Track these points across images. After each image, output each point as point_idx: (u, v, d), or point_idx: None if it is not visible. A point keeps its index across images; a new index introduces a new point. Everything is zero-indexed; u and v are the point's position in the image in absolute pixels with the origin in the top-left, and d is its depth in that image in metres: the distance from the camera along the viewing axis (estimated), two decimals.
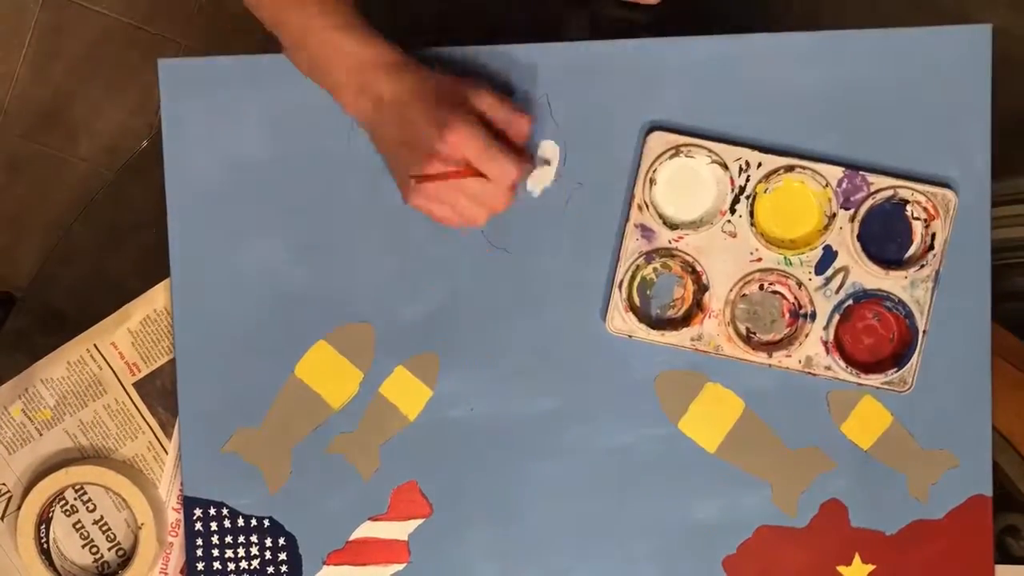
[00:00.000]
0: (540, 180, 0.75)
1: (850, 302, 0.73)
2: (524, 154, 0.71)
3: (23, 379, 0.79)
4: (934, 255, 0.72)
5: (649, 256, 0.73)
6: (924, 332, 0.72)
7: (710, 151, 0.72)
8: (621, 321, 0.74)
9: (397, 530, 0.77)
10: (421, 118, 0.67)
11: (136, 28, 1.50)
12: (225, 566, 0.78)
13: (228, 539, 0.77)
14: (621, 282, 0.74)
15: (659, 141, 0.73)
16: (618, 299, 0.74)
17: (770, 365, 0.74)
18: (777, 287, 0.74)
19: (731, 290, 0.73)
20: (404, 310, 0.76)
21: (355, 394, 0.77)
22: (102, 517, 0.79)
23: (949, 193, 0.72)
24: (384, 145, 0.71)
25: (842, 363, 0.73)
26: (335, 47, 0.69)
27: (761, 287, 0.74)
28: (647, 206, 0.73)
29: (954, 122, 0.73)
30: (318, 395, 0.77)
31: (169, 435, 0.79)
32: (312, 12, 0.69)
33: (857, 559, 0.75)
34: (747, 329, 0.74)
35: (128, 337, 0.78)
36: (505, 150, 0.67)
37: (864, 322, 0.74)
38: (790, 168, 0.72)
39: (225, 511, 0.77)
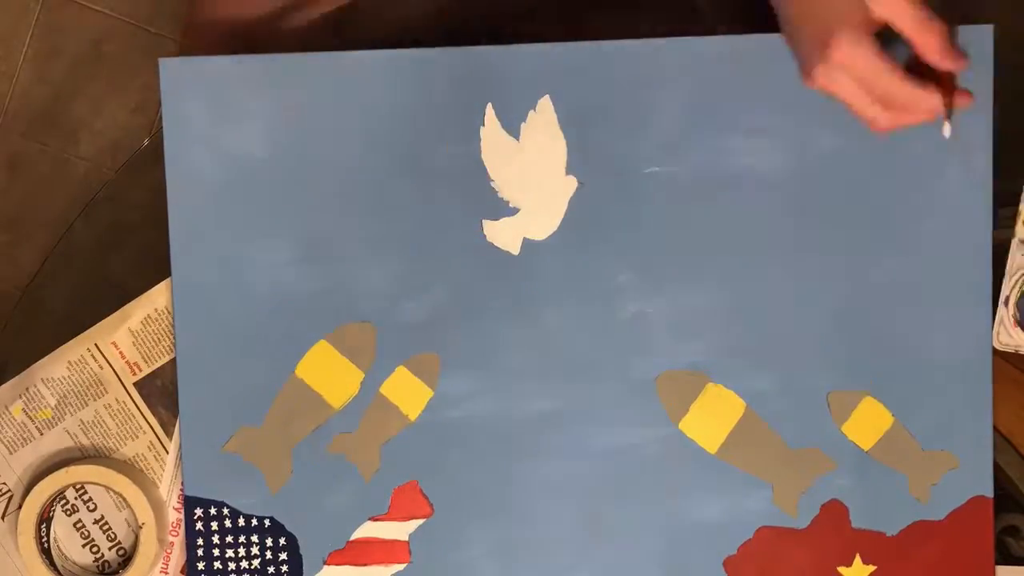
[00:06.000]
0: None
1: None
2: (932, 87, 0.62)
3: (23, 379, 0.79)
4: None
5: None
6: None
7: None
8: (1008, 336, 0.73)
9: (398, 530, 0.77)
10: (808, 25, 0.62)
11: (137, 28, 1.50)
12: (226, 566, 0.78)
13: (229, 539, 0.77)
14: (1008, 298, 0.73)
15: None
16: (1004, 315, 0.72)
17: None
18: None
19: None
20: (405, 310, 0.76)
21: (356, 394, 0.77)
22: (103, 516, 0.79)
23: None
24: (787, 18, 0.66)
25: None
26: None
27: None
28: None
29: (955, 122, 0.73)
30: (319, 395, 0.77)
31: (170, 435, 0.79)
32: None
33: (858, 560, 0.75)
34: None
35: (129, 337, 0.78)
36: (902, 81, 0.60)
37: None
38: None
39: (226, 511, 0.77)
